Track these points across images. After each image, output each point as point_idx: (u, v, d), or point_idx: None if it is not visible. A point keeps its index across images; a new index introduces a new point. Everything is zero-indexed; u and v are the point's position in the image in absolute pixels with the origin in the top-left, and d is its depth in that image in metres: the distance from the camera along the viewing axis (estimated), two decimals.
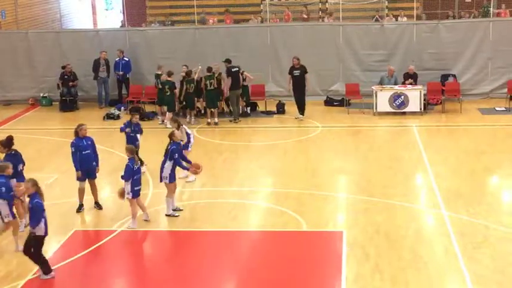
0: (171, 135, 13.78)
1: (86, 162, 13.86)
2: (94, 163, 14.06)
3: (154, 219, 13.67)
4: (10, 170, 12.12)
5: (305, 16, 29.73)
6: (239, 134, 20.16)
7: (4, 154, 13.13)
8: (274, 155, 18.02)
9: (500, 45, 22.98)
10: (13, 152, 13.15)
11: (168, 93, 20.95)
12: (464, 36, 23.15)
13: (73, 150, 13.82)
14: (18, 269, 11.59)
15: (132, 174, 12.92)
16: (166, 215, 13.69)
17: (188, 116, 21.26)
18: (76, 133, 13.89)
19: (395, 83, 21.91)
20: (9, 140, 13.25)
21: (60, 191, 15.37)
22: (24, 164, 13.32)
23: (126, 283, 11.42)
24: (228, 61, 21.41)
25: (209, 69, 21.00)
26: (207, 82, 20.84)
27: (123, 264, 11.80)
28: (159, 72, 21.68)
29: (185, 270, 11.52)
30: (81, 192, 14.03)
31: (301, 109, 21.46)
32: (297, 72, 21.23)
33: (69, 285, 11.26)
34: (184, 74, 21.01)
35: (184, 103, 21.29)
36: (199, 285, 11.01)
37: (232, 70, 21.15)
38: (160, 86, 21.42)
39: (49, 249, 12.35)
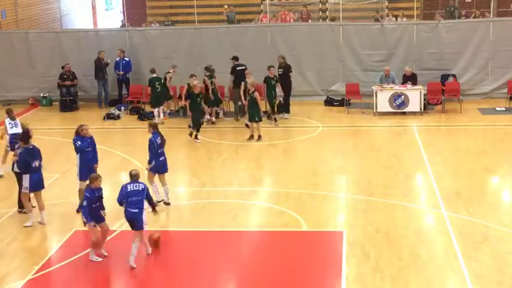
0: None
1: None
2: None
3: (155, 219, 13.67)
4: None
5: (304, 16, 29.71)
6: (239, 134, 20.14)
7: (21, 149, 13.25)
8: (274, 155, 18.02)
9: (500, 45, 22.97)
10: (31, 147, 13.27)
11: (159, 90, 21.48)
12: (464, 36, 23.15)
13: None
14: (19, 269, 11.62)
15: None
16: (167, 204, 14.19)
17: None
18: (76, 132, 13.89)
19: (394, 82, 21.92)
20: (25, 134, 13.37)
21: (60, 191, 15.36)
22: (41, 159, 13.57)
23: (126, 283, 11.42)
24: (235, 58, 21.56)
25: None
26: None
27: (123, 264, 11.78)
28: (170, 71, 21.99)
29: (185, 270, 11.53)
30: (82, 192, 13.99)
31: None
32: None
33: (70, 285, 11.27)
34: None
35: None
36: (199, 285, 11.02)
37: (237, 68, 21.22)
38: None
39: (49, 249, 12.39)
